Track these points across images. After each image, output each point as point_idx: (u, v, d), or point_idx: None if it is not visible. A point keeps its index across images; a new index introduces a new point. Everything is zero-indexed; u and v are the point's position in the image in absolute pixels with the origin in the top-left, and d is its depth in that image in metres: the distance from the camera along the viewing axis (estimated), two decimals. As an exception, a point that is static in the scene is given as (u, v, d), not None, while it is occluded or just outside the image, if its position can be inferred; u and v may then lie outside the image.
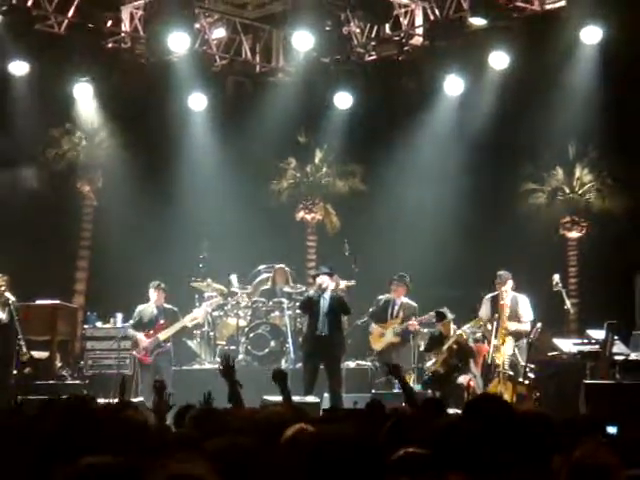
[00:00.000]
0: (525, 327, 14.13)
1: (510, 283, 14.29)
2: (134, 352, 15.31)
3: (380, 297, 15.60)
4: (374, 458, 3.65)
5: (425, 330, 15.52)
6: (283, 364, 15.62)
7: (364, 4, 16.73)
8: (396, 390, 13.70)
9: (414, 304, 15.35)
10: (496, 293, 14.30)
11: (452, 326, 14.32)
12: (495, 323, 14.05)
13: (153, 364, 14.97)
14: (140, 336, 15.09)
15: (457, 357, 14.11)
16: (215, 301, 16.19)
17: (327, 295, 14.08)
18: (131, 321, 15.48)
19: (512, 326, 14.06)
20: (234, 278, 17.11)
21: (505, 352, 13.66)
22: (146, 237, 18.97)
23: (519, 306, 14.23)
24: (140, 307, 15.28)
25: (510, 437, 4.68)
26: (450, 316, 14.37)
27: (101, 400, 10.45)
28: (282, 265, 17.26)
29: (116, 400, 8.33)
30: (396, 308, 15.18)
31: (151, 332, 15.07)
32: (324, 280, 14.11)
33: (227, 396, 7.99)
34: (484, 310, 14.40)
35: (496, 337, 13.99)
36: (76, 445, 4.63)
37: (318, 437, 3.77)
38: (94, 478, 3.41)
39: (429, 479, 3.92)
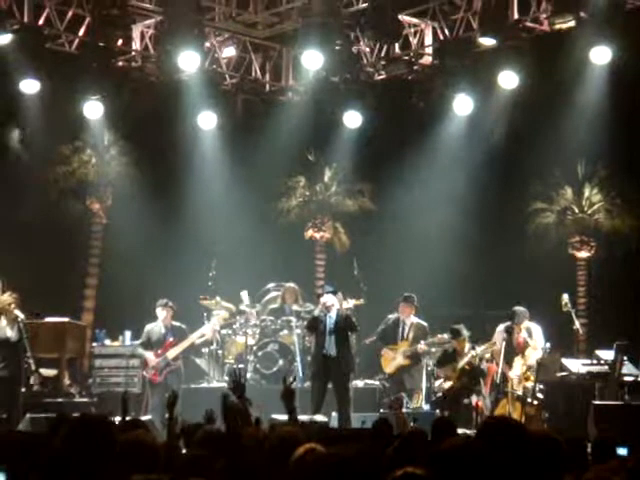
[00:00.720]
0: (538, 354, 14.08)
1: (526, 322, 14.29)
2: (144, 372, 15.30)
3: (390, 316, 15.57)
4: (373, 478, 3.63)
5: (433, 350, 15.49)
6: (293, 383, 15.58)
7: (374, 23, 16.75)
8: (405, 410, 13.70)
9: (424, 324, 15.30)
10: (509, 324, 14.23)
11: (467, 344, 14.30)
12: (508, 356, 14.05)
13: (163, 383, 14.95)
14: (149, 355, 15.08)
15: (469, 378, 14.09)
16: (221, 316, 16.16)
17: (333, 314, 14.08)
18: (139, 341, 15.48)
19: (532, 360, 14.01)
20: (245, 295, 17.12)
21: (514, 372, 13.62)
22: (155, 255, 18.98)
23: (533, 334, 14.22)
24: (148, 326, 15.28)
25: (519, 458, 4.66)
26: (465, 333, 14.36)
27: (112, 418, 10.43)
28: (292, 284, 17.26)
29: (119, 419, 8.27)
30: (406, 329, 15.11)
31: (159, 351, 15.06)
32: (328, 299, 14.12)
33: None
34: (497, 339, 14.36)
35: (514, 367, 13.98)
36: (88, 464, 4.64)
37: (321, 458, 3.76)
38: None
39: None
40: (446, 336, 15.00)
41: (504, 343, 14.10)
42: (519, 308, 14.35)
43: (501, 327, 14.36)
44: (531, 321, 14.40)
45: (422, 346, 14.91)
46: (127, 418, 8.33)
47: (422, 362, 15.24)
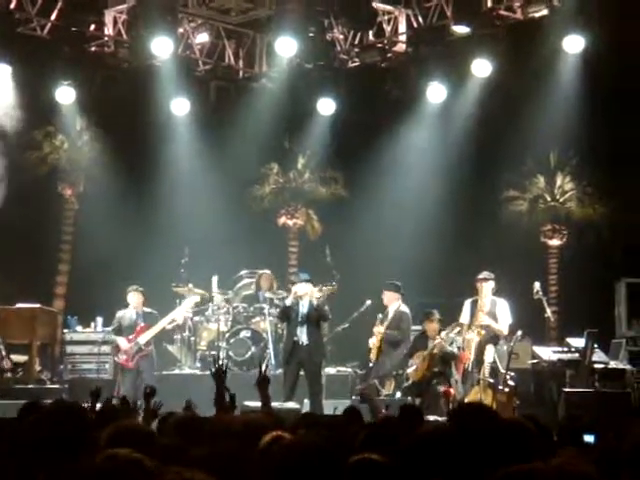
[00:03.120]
0: (500, 327, 13.91)
1: (491, 284, 14.19)
2: (115, 358, 15.28)
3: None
4: (341, 466, 3.63)
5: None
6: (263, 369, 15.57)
7: (348, 11, 16.75)
8: (381, 397, 13.71)
9: (405, 311, 14.93)
10: (476, 298, 14.22)
11: (437, 325, 14.23)
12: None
13: (135, 368, 14.94)
14: (121, 340, 15.06)
15: (439, 364, 14.11)
16: (191, 299, 16.11)
17: (305, 302, 14.08)
18: (111, 327, 15.46)
19: (486, 319, 13.89)
20: (215, 280, 17.08)
21: (486, 359, 13.64)
22: (127, 241, 18.92)
23: (497, 308, 14.10)
24: (119, 313, 15.26)
25: (491, 444, 4.68)
26: (437, 316, 14.29)
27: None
28: (267, 271, 17.26)
29: (89, 406, 8.25)
30: (389, 315, 14.94)
31: (131, 337, 15.04)
32: (300, 288, 14.10)
33: (213, 400, 7.98)
34: (464, 314, 14.30)
35: (470, 328, 13.91)
36: (63, 450, 4.62)
37: (289, 445, 3.76)
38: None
39: None
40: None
41: (470, 314, 14.09)
42: (485, 272, 14.26)
43: (469, 300, 14.32)
44: (499, 297, 14.28)
45: (379, 329, 14.72)
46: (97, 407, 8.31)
47: (398, 349, 15.13)
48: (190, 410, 7.99)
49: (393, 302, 14.88)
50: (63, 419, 4.87)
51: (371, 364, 14.88)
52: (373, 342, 14.82)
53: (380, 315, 14.88)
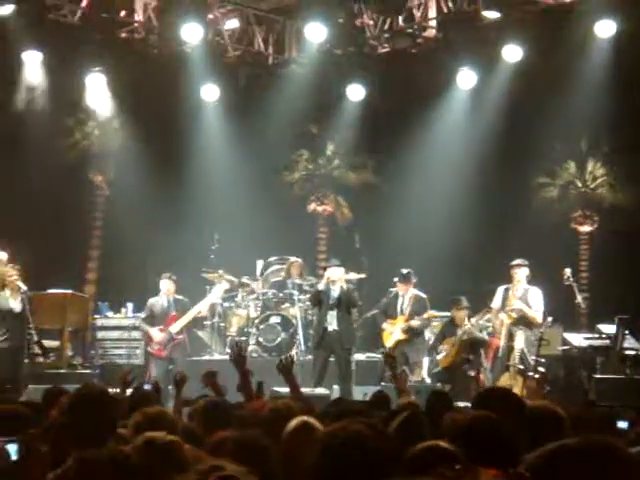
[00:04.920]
0: (533, 314, 13.83)
1: (525, 271, 14.09)
2: (148, 348, 15.32)
3: (392, 289, 15.51)
4: (386, 455, 3.59)
5: (435, 323, 15.50)
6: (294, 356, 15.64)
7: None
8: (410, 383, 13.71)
9: (423, 296, 14.99)
10: (510, 285, 14.15)
11: (465, 313, 14.26)
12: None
13: (168, 356, 15.00)
14: (154, 332, 15.06)
15: (468, 350, 14.11)
16: (220, 287, 16.12)
17: (336, 288, 14.08)
18: (142, 315, 15.51)
19: (518, 304, 13.83)
20: (259, 264, 17.17)
21: (516, 346, 13.60)
22: (158, 228, 18.96)
23: (529, 296, 14.01)
24: (151, 300, 15.29)
25: (518, 428, 4.66)
26: (465, 303, 14.33)
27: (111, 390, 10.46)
28: (298, 258, 17.26)
29: (118, 391, 8.29)
30: (405, 302, 14.99)
31: (163, 327, 15.07)
32: (333, 273, 14.11)
33: (237, 386, 8.00)
34: (496, 299, 14.23)
35: (503, 309, 13.87)
36: (91, 435, 4.65)
37: (331, 433, 3.72)
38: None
39: (459, 474, 3.82)
40: (435, 312, 14.98)
41: (502, 300, 14.04)
42: (519, 259, 14.20)
43: (502, 287, 14.26)
44: (533, 285, 14.21)
45: (415, 322, 14.80)
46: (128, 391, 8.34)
47: (424, 335, 15.20)
48: (220, 394, 8.01)
49: (408, 291, 14.90)
50: (91, 404, 4.90)
51: (385, 350, 14.93)
52: (391, 330, 14.86)
53: (384, 300, 14.97)
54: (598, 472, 2.89)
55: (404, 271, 15.04)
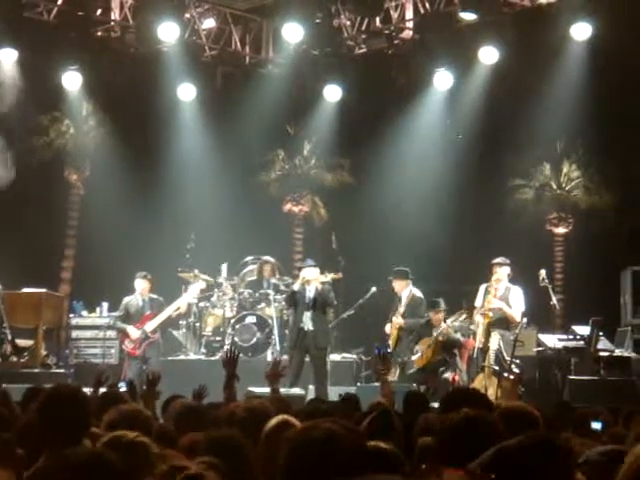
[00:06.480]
0: (512, 313, 13.67)
1: (506, 270, 13.99)
2: (123, 346, 15.27)
3: (372, 289, 15.51)
4: (357, 453, 3.60)
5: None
6: (269, 355, 15.64)
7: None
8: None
9: (419, 295, 14.89)
10: (489, 283, 14.07)
11: (442, 315, 14.27)
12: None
13: (141, 355, 14.95)
14: (130, 329, 15.02)
15: (443, 351, 14.13)
16: (196, 286, 16.09)
17: (312, 288, 14.08)
18: (117, 313, 15.45)
19: (497, 303, 13.72)
20: (224, 268, 17.09)
21: (491, 347, 13.61)
22: (133, 227, 18.92)
23: (510, 295, 13.93)
24: (126, 299, 15.24)
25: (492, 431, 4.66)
26: (443, 306, 14.34)
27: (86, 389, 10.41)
28: (269, 258, 17.22)
29: (92, 391, 8.26)
30: (403, 302, 14.92)
31: (138, 324, 15.04)
32: (308, 273, 14.10)
33: (222, 386, 7.98)
34: (478, 298, 14.11)
35: (479, 312, 13.81)
36: (65, 433, 4.63)
37: (303, 431, 3.73)
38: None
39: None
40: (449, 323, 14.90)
41: (483, 299, 13.97)
42: (500, 258, 14.13)
43: (484, 285, 14.21)
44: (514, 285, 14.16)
45: (399, 321, 14.79)
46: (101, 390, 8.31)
47: (411, 336, 15.11)
48: (199, 397, 8.00)
49: (405, 289, 14.88)
50: (64, 403, 4.88)
51: (389, 350, 14.83)
52: (389, 330, 14.84)
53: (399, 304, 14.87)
54: (537, 466, 3.27)
55: (396, 269, 15.00)
